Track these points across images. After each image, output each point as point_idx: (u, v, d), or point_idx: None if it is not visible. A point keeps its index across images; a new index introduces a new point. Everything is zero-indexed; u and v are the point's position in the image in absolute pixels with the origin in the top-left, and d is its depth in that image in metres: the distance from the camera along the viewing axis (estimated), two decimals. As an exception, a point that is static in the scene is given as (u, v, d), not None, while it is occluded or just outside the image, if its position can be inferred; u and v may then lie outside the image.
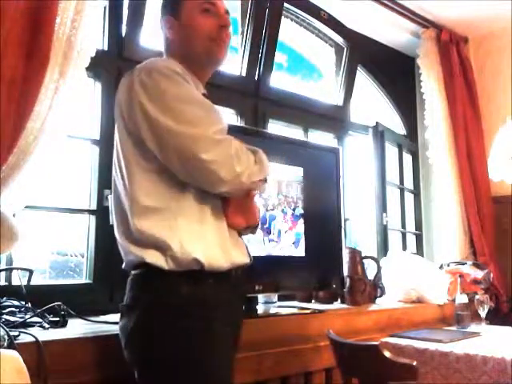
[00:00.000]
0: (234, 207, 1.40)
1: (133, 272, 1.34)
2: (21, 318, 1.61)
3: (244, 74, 2.86)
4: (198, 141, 1.25)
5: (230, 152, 1.28)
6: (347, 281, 2.61)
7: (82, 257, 2.25)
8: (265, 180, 1.41)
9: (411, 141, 3.91)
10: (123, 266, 1.39)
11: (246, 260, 1.43)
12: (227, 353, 1.34)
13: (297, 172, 2.37)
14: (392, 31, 3.63)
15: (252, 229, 1.50)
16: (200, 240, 1.30)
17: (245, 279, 1.46)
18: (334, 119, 3.34)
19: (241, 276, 1.43)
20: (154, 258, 1.27)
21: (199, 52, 1.44)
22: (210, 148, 1.25)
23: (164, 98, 1.28)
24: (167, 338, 1.26)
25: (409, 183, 3.87)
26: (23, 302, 1.73)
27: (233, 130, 2.20)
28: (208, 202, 1.34)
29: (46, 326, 1.63)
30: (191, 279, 1.28)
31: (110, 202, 1.45)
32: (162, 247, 1.27)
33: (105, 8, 2.33)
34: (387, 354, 1.67)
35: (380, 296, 2.82)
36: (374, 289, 2.76)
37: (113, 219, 1.40)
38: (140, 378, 1.30)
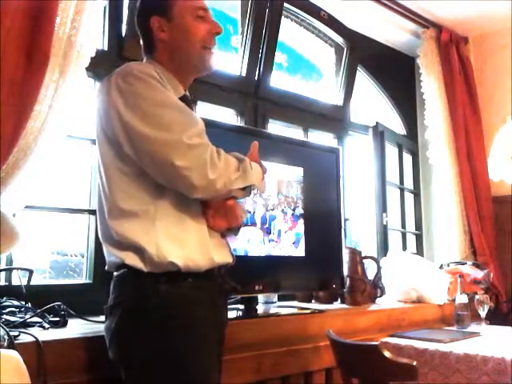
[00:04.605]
0: (214, 210, 1.40)
1: (115, 273, 1.36)
2: (21, 317, 1.61)
3: (244, 74, 2.86)
4: (171, 146, 1.24)
5: (205, 157, 1.26)
6: (347, 281, 2.61)
7: (82, 257, 2.25)
8: (249, 188, 1.39)
9: (411, 141, 3.91)
10: (106, 267, 1.40)
11: (228, 260, 1.44)
12: (210, 352, 1.34)
13: (297, 172, 2.37)
14: (392, 31, 3.63)
15: (234, 230, 1.50)
16: (177, 242, 1.31)
17: (229, 279, 1.47)
18: (334, 119, 3.34)
19: (224, 275, 1.44)
20: (132, 259, 1.29)
21: (192, 58, 1.44)
22: (183, 153, 1.24)
23: (139, 103, 1.28)
24: (147, 337, 1.26)
25: (409, 183, 3.87)
26: (23, 302, 1.73)
27: (233, 130, 2.22)
28: (187, 205, 1.34)
29: (46, 325, 1.64)
30: (170, 279, 1.30)
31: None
32: (139, 250, 1.29)
33: (105, 8, 2.33)
34: (387, 354, 1.67)
35: (380, 296, 2.82)
36: (374, 289, 2.76)
37: (98, 228, 1.42)
38: (125, 377, 1.30)
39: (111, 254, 1.35)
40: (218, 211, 1.40)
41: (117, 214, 1.32)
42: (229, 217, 1.43)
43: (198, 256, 1.33)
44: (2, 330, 1.34)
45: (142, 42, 1.52)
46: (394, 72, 3.83)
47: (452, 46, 3.65)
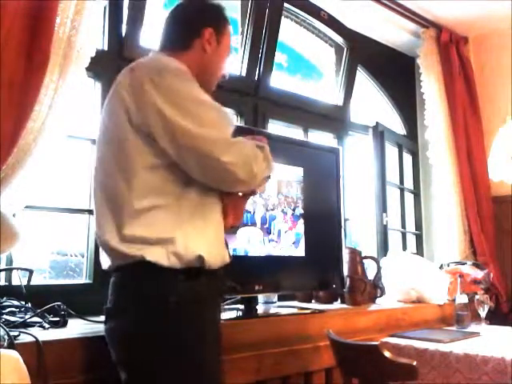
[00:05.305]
0: (230, 207, 1.42)
1: (121, 272, 1.33)
2: (21, 317, 1.61)
3: (244, 74, 2.86)
4: (217, 143, 1.28)
5: (247, 152, 1.32)
6: (347, 281, 2.61)
7: (82, 257, 2.25)
8: (268, 177, 1.44)
9: (411, 141, 3.91)
10: (109, 265, 1.36)
11: (228, 259, 1.45)
12: (219, 351, 1.37)
13: (297, 172, 2.37)
14: (392, 31, 3.63)
15: (235, 228, 1.53)
16: (203, 236, 1.32)
17: (227, 278, 1.49)
18: (334, 119, 3.34)
19: (223, 274, 1.45)
20: (154, 254, 1.27)
21: (209, 80, 1.51)
22: (228, 150, 1.28)
23: (179, 99, 1.29)
24: (169, 337, 1.26)
25: (409, 183, 3.87)
26: (23, 302, 1.73)
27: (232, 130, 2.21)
28: (209, 200, 1.36)
29: (46, 325, 1.63)
30: (188, 277, 1.29)
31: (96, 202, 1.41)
32: (164, 243, 1.27)
33: (105, 8, 2.33)
34: (387, 354, 1.67)
35: (380, 296, 2.82)
36: (374, 289, 2.76)
37: (98, 219, 1.37)
38: (137, 378, 1.29)
39: (120, 252, 1.29)
40: (231, 208, 1.43)
41: (142, 208, 1.28)
42: (237, 213, 1.46)
43: (217, 253, 1.36)
44: (1, 330, 1.34)
45: (171, 32, 1.52)
46: (394, 72, 3.83)
47: (452, 46, 3.65)
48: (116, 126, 1.35)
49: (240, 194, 1.51)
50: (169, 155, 1.29)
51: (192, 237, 1.29)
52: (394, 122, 3.89)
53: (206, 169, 1.29)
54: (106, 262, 1.39)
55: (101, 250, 1.40)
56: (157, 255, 1.27)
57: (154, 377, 1.26)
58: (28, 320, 1.61)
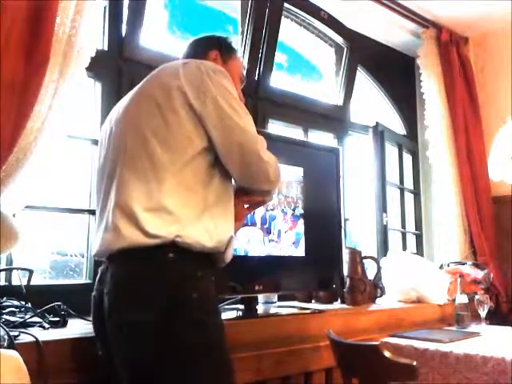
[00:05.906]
0: (236, 213, 1.45)
1: (144, 257, 1.25)
2: (21, 318, 1.61)
3: (244, 74, 2.85)
4: (258, 140, 1.38)
5: (273, 155, 1.42)
6: (347, 281, 2.61)
7: (82, 257, 2.25)
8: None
9: (411, 141, 3.91)
10: (118, 247, 1.27)
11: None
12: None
13: (297, 172, 2.37)
14: (392, 31, 3.64)
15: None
16: (229, 225, 1.38)
17: None
18: (334, 119, 3.34)
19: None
20: (194, 233, 1.27)
21: None
22: (265, 149, 1.39)
23: (229, 97, 1.37)
24: (191, 332, 1.23)
25: (409, 183, 3.87)
26: (23, 302, 1.73)
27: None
28: (226, 198, 1.40)
29: (46, 325, 1.63)
30: (212, 264, 1.34)
31: (118, 178, 1.34)
32: (201, 221, 1.30)
33: (105, 8, 2.33)
34: (387, 354, 1.67)
35: (380, 296, 2.82)
36: (374, 289, 2.76)
37: (125, 195, 1.30)
38: (143, 376, 1.23)
39: (147, 231, 1.24)
40: (237, 214, 1.45)
41: (186, 186, 1.30)
42: (238, 221, 1.49)
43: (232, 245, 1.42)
44: (1, 330, 1.34)
45: (187, 54, 1.66)
46: (394, 72, 3.83)
47: (452, 46, 3.65)
48: (168, 108, 1.34)
49: (246, 205, 1.56)
50: (214, 144, 1.35)
51: (221, 221, 1.34)
52: (394, 122, 3.89)
53: (247, 164, 1.37)
54: (105, 241, 1.32)
55: (106, 224, 1.33)
56: (196, 234, 1.28)
57: (172, 375, 1.22)
58: (28, 320, 1.61)
